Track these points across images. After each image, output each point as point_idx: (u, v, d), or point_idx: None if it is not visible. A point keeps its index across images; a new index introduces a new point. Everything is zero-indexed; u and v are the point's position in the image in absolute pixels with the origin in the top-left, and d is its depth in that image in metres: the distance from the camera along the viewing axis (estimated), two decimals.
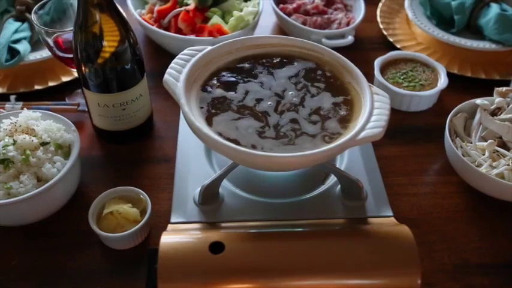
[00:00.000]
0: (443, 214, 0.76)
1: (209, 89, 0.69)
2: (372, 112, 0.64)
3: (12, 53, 0.94)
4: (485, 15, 1.04)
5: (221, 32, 0.99)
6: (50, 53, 0.86)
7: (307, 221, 0.69)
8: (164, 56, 1.01)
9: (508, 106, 0.81)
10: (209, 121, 0.65)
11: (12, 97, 0.90)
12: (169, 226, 0.68)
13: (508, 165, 0.73)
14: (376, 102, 0.65)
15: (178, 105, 0.64)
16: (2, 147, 0.68)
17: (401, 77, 0.96)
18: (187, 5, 1.03)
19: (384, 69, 0.97)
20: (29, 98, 0.91)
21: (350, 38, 1.03)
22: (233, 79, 0.71)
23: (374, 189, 0.73)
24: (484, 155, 0.76)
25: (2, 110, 0.86)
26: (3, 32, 0.96)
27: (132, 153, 0.84)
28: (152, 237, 0.72)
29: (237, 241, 0.62)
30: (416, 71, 0.97)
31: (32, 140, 0.70)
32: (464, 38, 1.04)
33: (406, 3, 1.14)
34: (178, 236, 0.64)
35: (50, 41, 0.81)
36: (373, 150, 0.79)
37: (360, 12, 1.09)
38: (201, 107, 0.67)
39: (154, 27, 1.00)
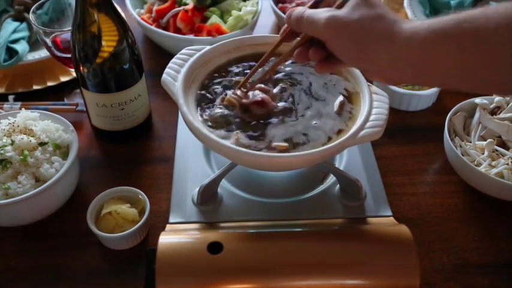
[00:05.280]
0: (442, 214, 0.76)
1: (208, 88, 0.69)
2: (371, 111, 0.64)
3: (11, 53, 0.94)
4: None
5: (220, 32, 0.99)
6: (48, 53, 0.86)
7: (306, 221, 0.69)
8: (163, 56, 1.01)
9: (507, 105, 0.81)
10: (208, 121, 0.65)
11: (11, 97, 0.90)
12: (168, 226, 0.68)
13: (508, 164, 0.73)
14: (375, 101, 0.65)
15: (177, 105, 0.64)
16: (0, 147, 0.68)
17: None
18: (186, 4, 1.03)
19: None
20: (28, 98, 0.91)
21: None
22: (232, 78, 0.71)
23: (373, 189, 0.73)
24: (483, 154, 0.76)
25: (0, 110, 0.86)
26: (2, 32, 0.96)
27: (130, 153, 0.84)
28: (151, 237, 0.71)
29: (235, 241, 0.62)
30: None
31: (30, 140, 0.69)
32: None
33: (406, 2, 1.14)
34: (177, 236, 0.64)
35: (48, 41, 0.81)
36: (372, 150, 0.79)
37: None
38: (200, 107, 0.66)
39: (153, 27, 1.00)
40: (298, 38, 0.58)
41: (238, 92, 0.67)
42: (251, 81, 0.68)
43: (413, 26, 0.49)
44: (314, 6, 0.57)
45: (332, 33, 0.52)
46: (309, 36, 0.56)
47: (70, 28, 0.72)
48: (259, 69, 0.67)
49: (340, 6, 0.53)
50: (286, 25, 0.60)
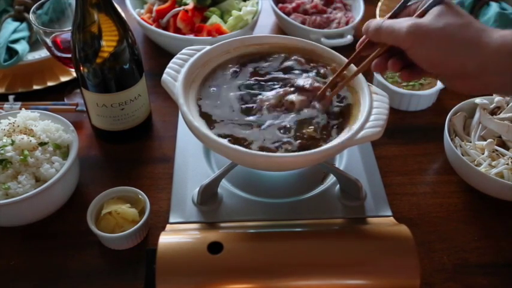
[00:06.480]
0: (442, 214, 0.76)
1: (208, 88, 0.69)
2: (371, 111, 0.64)
3: (11, 53, 0.94)
4: (484, 14, 1.03)
5: (220, 32, 0.99)
6: (48, 53, 0.86)
7: (306, 221, 0.69)
8: (163, 56, 1.01)
9: (507, 105, 0.81)
10: (208, 121, 0.65)
11: (11, 97, 0.90)
12: (168, 226, 0.68)
13: (508, 164, 0.73)
14: (375, 101, 0.65)
15: (177, 105, 0.64)
16: (0, 147, 0.68)
17: None
18: (186, 4, 1.03)
19: None
20: (28, 98, 0.91)
21: (349, 38, 1.03)
22: (231, 78, 0.71)
23: (373, 189, 0.73)
24: (483, 154, 0.76)
25: (0, 110, 0.86)
26: (2, 32, 0.96)
27: (130, 153, 0.84)
28: (151, 237, 0.71)
29: (235, 241, 0.62)
30: None
31: (30, 140, 0.69)
32: None
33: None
34: (177, 236, 0.64)
35: (48, 41, 0.81)
36: (372, 150, 0.79)
37: (359, 12, 1.09)
38: (200, 107, 0.66)
39: (153, 27, 1.00)
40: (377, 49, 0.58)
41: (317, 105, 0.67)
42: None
43: (504, 35, 0.48)
44: (393, 17, 0.57)
45: (415, 41, 0.52)
46: (388, 46, 0.56)
47: (70, 28, 0.72)
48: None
49: (421, 15, 0.53)
50: (363, 37, 0.60)
